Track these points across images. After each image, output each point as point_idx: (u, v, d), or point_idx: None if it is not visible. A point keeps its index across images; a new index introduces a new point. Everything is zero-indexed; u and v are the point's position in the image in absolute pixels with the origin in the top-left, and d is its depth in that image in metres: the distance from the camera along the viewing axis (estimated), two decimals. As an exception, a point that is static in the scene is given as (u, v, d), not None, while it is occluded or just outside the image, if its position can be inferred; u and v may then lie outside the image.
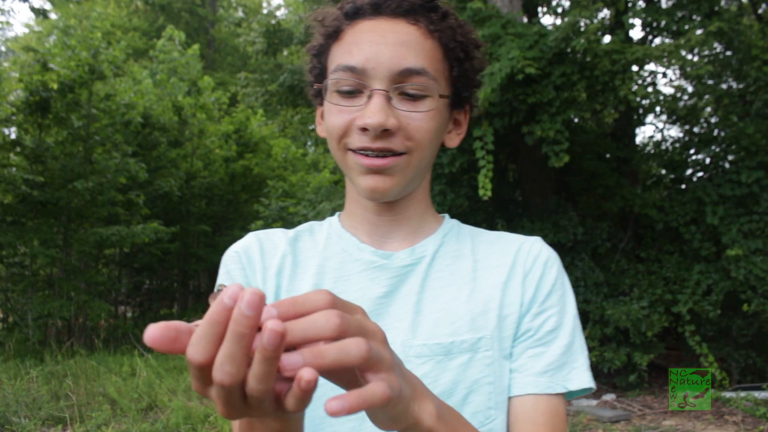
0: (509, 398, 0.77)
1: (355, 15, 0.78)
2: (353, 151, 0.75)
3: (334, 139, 0.76)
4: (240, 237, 0.90)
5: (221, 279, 0.81)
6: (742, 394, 5.45)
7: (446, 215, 0.89)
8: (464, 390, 0.74)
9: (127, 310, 11.65)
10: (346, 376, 0.48)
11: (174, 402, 4.92)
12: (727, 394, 5.51)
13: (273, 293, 0.80)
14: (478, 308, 0.77)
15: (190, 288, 12.54)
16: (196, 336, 0.42)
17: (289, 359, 0.42)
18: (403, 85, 0.73)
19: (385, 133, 0.72)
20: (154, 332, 0.41)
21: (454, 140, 0.85)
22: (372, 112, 0.71)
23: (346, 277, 0.80)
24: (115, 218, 9.55)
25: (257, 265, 0.81)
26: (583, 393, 0.79)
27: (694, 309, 5.91)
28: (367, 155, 0.74)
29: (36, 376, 5.89)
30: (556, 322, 0.78)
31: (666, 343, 6.89)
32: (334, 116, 0.76)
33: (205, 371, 0.42)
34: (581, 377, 0.77)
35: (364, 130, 0.72)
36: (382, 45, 0.73)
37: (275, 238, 0.85)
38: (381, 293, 0.78)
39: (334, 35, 0.79)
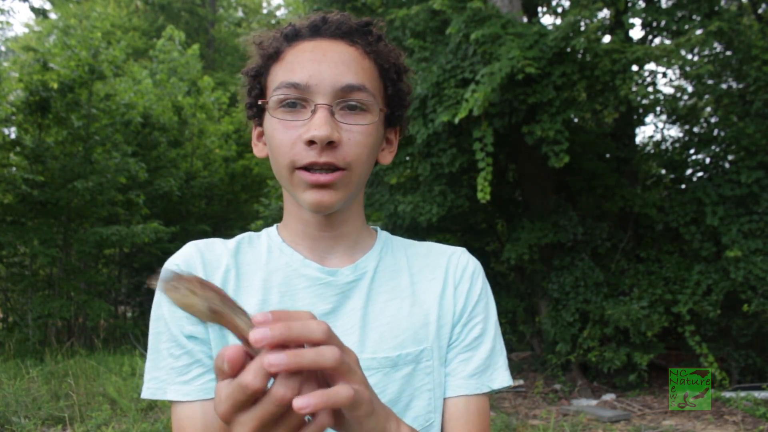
0: (444, 399, 0.85)
1: (294, 37, 0.81)
2: (299, 168, 0.76)
3: (281, 155, 0.78)
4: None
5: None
6: (742, 394, 5.45)
7: (378, 228, 0.93)
8: (407, 397, 0.81)
9: (127, 310, 11.65)
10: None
11: (174, 402, 4.91)
12: (727, 394, 5.51)
13: None
14: (419, 321, 0.83)
15: (190, 288, 12.53)
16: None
17: (272, 356, 0.48)
18: (345, 100, 0.76)
19: (330, 145, 0.74)
20: (233, 354, 0.49)
21: (386, 158, 0.88)
22: (318, 124, 0.73)
23: (293, 292, 0.82)
24: (115, 218, 9.54)
25: None
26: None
27: (694, 309, 5.90)
28: (312, 172, 0.76)
29: (36, 376, 5.89)
30: (481, 329, 0.86)
31: (666, 343, 6.89)
32: (280, 133, 0.77)
33: (252, 396, 0.49)
34: (502, 376, 0.87)
35: (310, 143, 0.74)
36: (323, 63, 0.77)
37: (217, 249, 0.85)
38: (327, 309, 0.82)
39: (274, 56, 0.81)
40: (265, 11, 23.37)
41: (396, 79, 0.84)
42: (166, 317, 0.81)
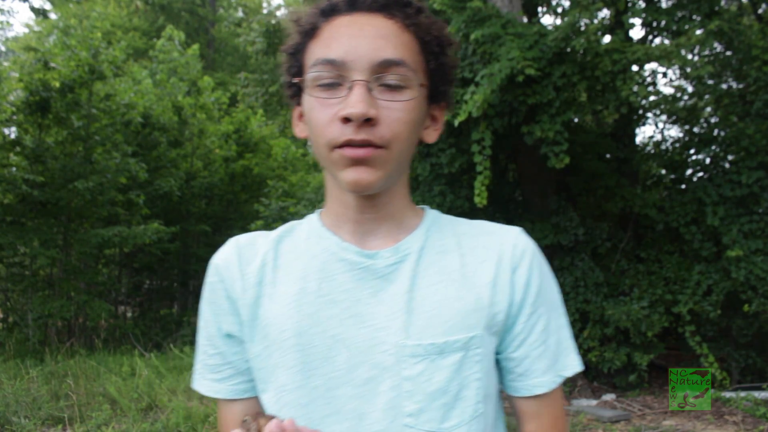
0: (517, 398, 0.84)
1: (331, 12, 0.78)
2: (337, 147, 0.74)
3: (318, 135, 0.76)
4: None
5: (205, 290, 0.86)
6: (742, 394, 5.45)
7: (426, 207, 0.89)
8: (456, 387, 0.76)
9: (127, 310, 11.64)
10: None
11: (174, 402, 4.92)
12: (727, 394, 5.51)
13: (252, 303, 0.81)
14: (468, 306, 0.78)
15: (190, 288, 12.53)
16: None
17: None
18: (383, 75, 0.74)
19: (367, 123, 0.72)
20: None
21: (431, 135, 0.85)
22: (354, 101, 0.71)
23: (331, 277, 0.80)
24: (115, 218, 9.54)
25: (236, 275, 0.83)
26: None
27: (694, 309, 5.90)
28: (350, 147, 0.74)
29: (36, 376, 5.89)
30: (547, 319, 0.83)
31: (666, 343, 6.89)
32: (317, 111, 0.75)
33: None
34: (573, 363, 0.85)
35: (346, 120, 0.72)
36: (360, 38, 0.74)
37: (257, 243, 0.85)
38: (368, 293, 0.78)
39: (310, 32, 0.79)
40: (265, 11, 23.37)
41: (439, 52, 0.80)
42: (206, 315, 0.85)
